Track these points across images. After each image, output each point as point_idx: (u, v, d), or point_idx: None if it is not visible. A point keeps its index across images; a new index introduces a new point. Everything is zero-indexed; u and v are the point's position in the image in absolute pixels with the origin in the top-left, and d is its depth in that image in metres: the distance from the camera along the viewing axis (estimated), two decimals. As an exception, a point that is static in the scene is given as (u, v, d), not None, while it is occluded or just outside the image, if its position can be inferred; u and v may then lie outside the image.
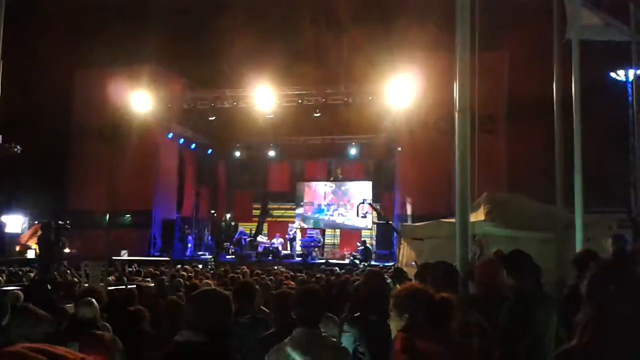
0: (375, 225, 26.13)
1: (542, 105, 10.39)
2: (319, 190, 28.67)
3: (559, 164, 8.74)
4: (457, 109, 4.61)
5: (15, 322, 3.10)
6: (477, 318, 3.50)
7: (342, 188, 28.41)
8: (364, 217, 25.14)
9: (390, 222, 21.01)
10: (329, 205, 28.32)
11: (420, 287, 2.67)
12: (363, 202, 23.84)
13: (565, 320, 4.28)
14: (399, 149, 22.75)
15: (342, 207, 27.99)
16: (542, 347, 4.02)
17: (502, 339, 3.91)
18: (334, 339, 3.33)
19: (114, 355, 3.39)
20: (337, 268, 16.21)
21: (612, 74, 17.36)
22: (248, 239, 25.33)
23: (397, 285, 6.74)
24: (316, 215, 28.22)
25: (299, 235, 26.17)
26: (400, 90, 19.58)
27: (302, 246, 24.40)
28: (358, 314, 4.29)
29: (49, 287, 7.74)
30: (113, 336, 3.44)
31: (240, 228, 26.80)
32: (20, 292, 6.21)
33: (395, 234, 18.72)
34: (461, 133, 4.62)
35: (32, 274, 11.16)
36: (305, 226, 27.54)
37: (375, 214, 23.92)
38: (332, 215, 28.04)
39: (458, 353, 2.45)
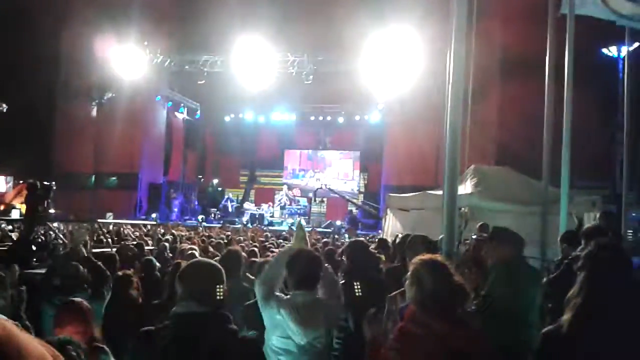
0: (361, 195, 26.27)
1: (534, 76, 10.34)
2: (296, 156, 28.74)
3: (547, 137, 8.73)
4: (451, 79, 4.53)
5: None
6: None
7: (318, 154, 28.50)
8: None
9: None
10: (304, 170, 28.45)
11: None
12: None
13: (552, 295, 4.34)
14: (389, 119, 22.68)
15: (318, 172, 28.12)
16: (526, 318, 4.07)
17: (488, 308, 3.95)
18: (327, 303, 3.35)
19: (92, 325, 3.37)
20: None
21: (604, 50, 17.33)
22: (235, 206, 25.34)
23: (382, 256, 6.80)
24: (291, 180, 28.35)
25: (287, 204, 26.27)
26: (392, 58, 19.39)
27: (289, 214, 24.48)
28: (343, 281, 4.31)
29: (34, 248, 7.70)
30: (88, 306, 3.41)
31: (228, 194, 26.77)
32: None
33: (379, 206, 18.83)
34: (454, 103, 4.55)
35: (14, 234, 11.09)
36: (292, 194, 27.61)
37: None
38: (308, 180, 28.16)
39: (469, 336, 2.42)
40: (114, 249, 7.28)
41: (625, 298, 2.20)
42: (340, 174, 28.09)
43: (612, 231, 5.02)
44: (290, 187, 28.12)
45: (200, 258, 2.98)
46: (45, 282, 4.78)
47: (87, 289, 4.49)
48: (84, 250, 5.73)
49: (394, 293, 3.48)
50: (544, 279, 5.13)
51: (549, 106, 8.72)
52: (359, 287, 4.28)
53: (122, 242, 9.45)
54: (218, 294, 2.56)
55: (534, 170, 10.37)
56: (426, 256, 2.65)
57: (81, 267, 4.72)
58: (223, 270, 2.69)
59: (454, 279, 2.53)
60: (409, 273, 2.62)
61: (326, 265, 3.63)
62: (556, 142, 8.65)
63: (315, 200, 25.18)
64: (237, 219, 23.60)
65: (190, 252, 6.02)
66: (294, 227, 21.81)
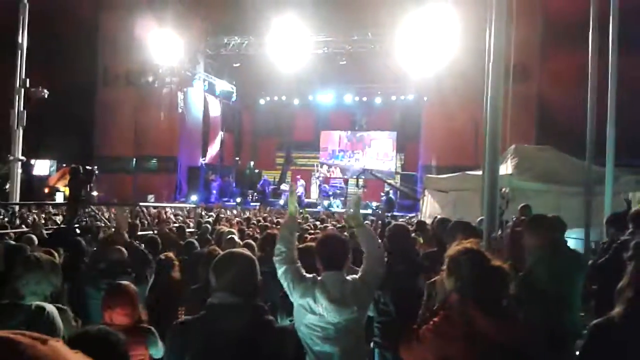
0: (398, 176, 26.05)
1: (577, 49, 9.96)
2: (334, 137, 28.68)
3: (591, 113, 8.44)
4: (492, 57, 4.42)
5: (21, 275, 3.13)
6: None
7: (357, 135, 28.37)
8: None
9: (408, 192, 21.22)
10: (343, 151, 28.36)
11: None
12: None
13: (597, 278, 4.22)
14: (426, 98, 22.35)
15: (357, 153, 28.02)
16: (567, 301, 3.99)
17: (526, 292, 3.88)
18: (355, 278, 3.37)
19: (138, 307, 3.44)
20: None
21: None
22: (272, 187, 25.48)
23: (420, 239, 6.73)
24: (330, 161, 28.33)
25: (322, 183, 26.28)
26: (429, 37, 19.05)
27: (323, 195, 24.50)
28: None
29: (78, 231, 7.88)
30: (135, 288, 3.49)
31: (264, 176, 26.91)
32: (33, 236, 6.33)
33: (417, 186, 18.67)
34: (494, 82, 4.45)
35: (58, 218, 11.40)
36: (329, 174, 27.62)
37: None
38: (347, 161, 28.10)
39: (512, 329, 2.37)
40: (155, 232, 7.39)
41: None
42: (380, 154, 27.89)
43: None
44: (329, 167, 28.11)
45: (233, 249, 2.95)
46: (90, 267, 4.88)
47: (131, 273, 4.57)
48: (126, 235, 5.83)
49: (433, 279, 3.45)
50: (589, 262, 5.01)
51: (593, 76, 8.39)
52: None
53: (164, 225, 9.59)
54: (252, 284, 2.57)
55: (577, 149, 10.08)
56: (461, 245, 2.60)
57: (124, 250, 4.80)
58: (256, 260, 2.69)
59: (492, 264, 2.47)
60: (445, 264, 2.58)
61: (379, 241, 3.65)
62: (601, 118, 8.37)
63: (357, 183, 24.97)
64: (274, 200, 23.72)
65: (229, 236, 6.05)
66: (331, 209, 21.95)
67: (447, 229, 4.38)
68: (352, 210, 3.83)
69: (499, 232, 5.60)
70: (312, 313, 3.19)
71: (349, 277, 3.34)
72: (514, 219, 6.45)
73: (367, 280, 3.37)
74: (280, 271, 3.35)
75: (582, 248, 7.52)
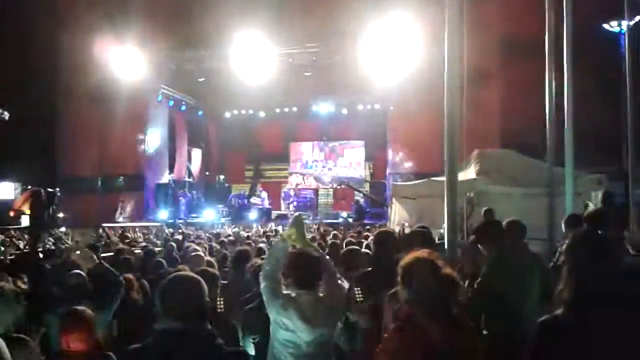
0: (368, 184, 26.21)
1: (535, 54, 10.22)
2: (307, 148, 28.76)
3: (550, 115, 8.67)
4: (446, 61, 4.49)
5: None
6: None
7: (330, 145, 28.53)
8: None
9: (377, 198, 21.42)
10: (316, 161, 28.44)
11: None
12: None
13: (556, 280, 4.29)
14: (391, 107, 22.55)
15: (329, 162, 28.20)
16: (523, 305, 4.04)
17: (482, 295, 3.92)
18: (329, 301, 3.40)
19: (93, 333, 3.38)
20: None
21: (605, 26, 17.11)
22: (242, 201, 25.33)
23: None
24: (305, 170, 28.37)
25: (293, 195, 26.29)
26: (392, 46, 19.23)
27: (295, 207, 24.48)
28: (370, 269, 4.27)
29: (40, 256, 7.72)
30: (91, 314, 3.43)
31: (242, 191, 26.68)
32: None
33: (386, 194, 18.81)
34: (450, 88, 4.51)
35: (21, 243, 11.15)
36: (299, 184, 27.66)
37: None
38: (321, 171, 28.20)
39: (462, 334, 2.40)
40: (113, 254, 7.28)
41: (613, 287, 2.18)
42: (354, 163, 28.05)
43: (614, 217, 4.96)
44: (303, 176, 28.15)
45: (179, 273, 2.89)
46: (47, 293, 4.77)
47: (92, 297, 4.48)
48: (94, 257, 5.70)
49: (392, 290, 3.47)
50: (551, 264, 5.09)
51: (550, 86, 8.66)
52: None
53: (127, 246, 9.45)
54: (197, 307, 2.50)
55: (539, 152, 10.30)
56: (410, 255, 2.62)
57: (83, 274, 4.71)
58: (200, 284, 2.60)
59: (442, 272, 2.50)
60: (398, 274, 2.60)
61: (330, 263, 3.65)
62: (560, 122, 8.59)
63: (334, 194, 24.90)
64: (244, 215, 23.59)
65: (194, 253, 6.00)
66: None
67: (403, 238, 4.42)
68: (287, 229, 3.79)
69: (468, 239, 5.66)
70: (286, 330, 3.24)
71: (321, 295, 3.40)
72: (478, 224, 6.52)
73: (335, 301, 3.43)
74: (262, 285, 3.39)
75: (546, 249, 7.65)
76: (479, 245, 4.36)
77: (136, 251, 8.58)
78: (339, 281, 3.56)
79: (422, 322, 2.36)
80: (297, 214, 4.17)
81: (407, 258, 2.60)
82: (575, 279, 2.27)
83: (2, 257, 7.97)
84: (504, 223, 4.51)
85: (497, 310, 3.83)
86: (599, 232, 2.86)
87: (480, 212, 8.38)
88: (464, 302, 2.62)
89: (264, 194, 24.94)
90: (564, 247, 2.47)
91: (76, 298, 4.29)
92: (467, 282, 4.17)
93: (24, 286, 5.47)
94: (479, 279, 4.04)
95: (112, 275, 4.94)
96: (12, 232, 14.22)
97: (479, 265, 4.35)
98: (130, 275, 5.33)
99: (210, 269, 4.58)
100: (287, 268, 3.46)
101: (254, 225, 18.66)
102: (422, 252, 2.61)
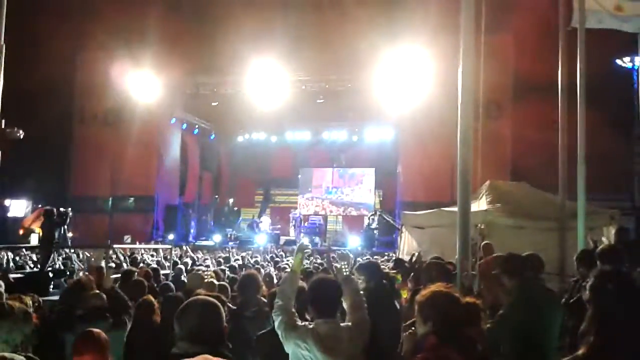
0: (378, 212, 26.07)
1: (548, 90, 10.24)
2: (327, 175, 28.80)
3: (562, 152, 8.65)
4: (461, 94, 4.52)
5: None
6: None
7: (349, 172, 28.57)
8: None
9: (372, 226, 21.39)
10: (336, 187, 28.45)
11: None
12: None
13: (570, 316, 4.24)
14: (403, 136, 22.61)
15: (348, 188, 28.16)
16: (544, 342, 3.99)
17: (505, 324, 3.88)
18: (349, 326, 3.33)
19: (107, 355, 3.38)
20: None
21: (618, 61, 17.16)
22: (250, 225, 25.29)
23: (399, 276, 6.72)
24: (324, 196, 28.38)
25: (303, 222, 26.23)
26: (404, 75, 19.39)
27: (305, 233, 24.39)
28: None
29: (50, 275, 7.74)
30: (105, 336, 3.42)
31: (255, 218, 26.63)
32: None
33: (396, 223, 18.71)
34: (464, 119, 4.53)
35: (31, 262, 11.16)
36: (307, 212, 27.63)
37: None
38: (339, 197, 28.24)
39: None
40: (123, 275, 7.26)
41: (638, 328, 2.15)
42: (372, 190, 28.06)
43: (628, 253, 4.90)
44: (322, 201, 28.23)
45: (198, 297, 2.88)
46: (67, 313, 4.78)
47: (109, 318, 4.51)
48: (110, 279, 5.71)
49: (408, 322, 3.44)
50: (563, 299, 5.03)
51: (563, 121, 8.66)
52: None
53: (136, 267, 9.43)
54: (215, 331, 2.50)
55: (551, 186, 10.24)
56: (427, 290, 2.62)
57: (103, 295, 4.73)
58: (218, 308, 2.60)
59: (461, 303, 2.49)
60: (416, 310, 2.59)
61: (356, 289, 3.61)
62: (572, 156, 8.56)
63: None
64: (252, 239, 23.55)
65: (207, 280, 5.98)
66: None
67: (422, 268, 4.40)
68: (294, 258, 3.77)
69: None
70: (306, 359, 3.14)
71: (343, 324, 3.31)
72: (480, 259, 6.48)
73: (360, 329, 3.33)
74: (276, 322, 3.31)
75: (558, 284, 7.57)
76: (502, 276, 4.31)
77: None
78: (365, 310, 3.44)
79: (445, 353, 2.34)
80: (300, 242, 4.17)
81: (425, 292, 2.60)
82: (600, 320, 2.23)
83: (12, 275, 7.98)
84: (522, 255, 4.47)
85: (518, 341, 3.77)
86: (618, 270, 2.83)
87: (493, 243, 8.29)
88: (485, 331, 2.61)
89: (266, 219, 24.98)
90: (588, 286, 2.43)
91: (95, 318, 4.31)
92: (487, 313, 4.13)
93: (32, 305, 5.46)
94: (502, 310, 3.99)
95: (123, 299, 4.98)
96: (23, 251, 14.24)
97: (498, 296, 4.31)
98: (151, 297, 5.31)
99: (222, 296, 4.56)
100: (307, 296, 3.39)
101: (261, 249, 18.62)
102: (438, 286, 2.62)
